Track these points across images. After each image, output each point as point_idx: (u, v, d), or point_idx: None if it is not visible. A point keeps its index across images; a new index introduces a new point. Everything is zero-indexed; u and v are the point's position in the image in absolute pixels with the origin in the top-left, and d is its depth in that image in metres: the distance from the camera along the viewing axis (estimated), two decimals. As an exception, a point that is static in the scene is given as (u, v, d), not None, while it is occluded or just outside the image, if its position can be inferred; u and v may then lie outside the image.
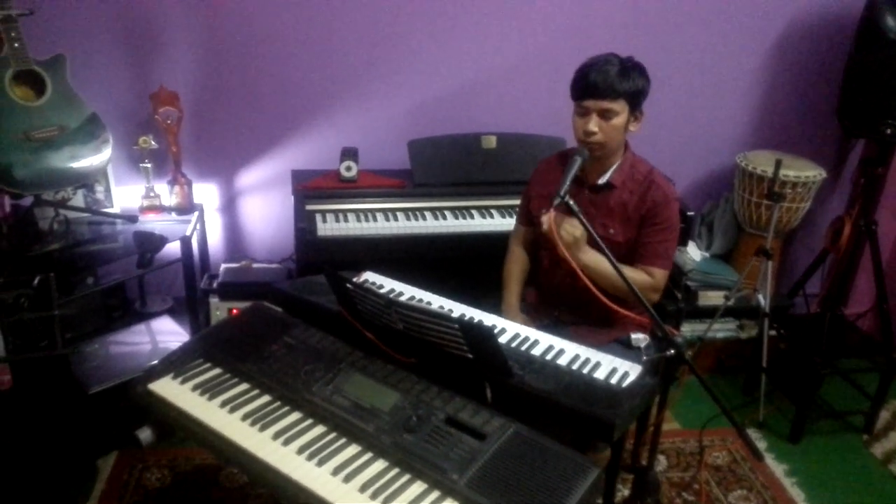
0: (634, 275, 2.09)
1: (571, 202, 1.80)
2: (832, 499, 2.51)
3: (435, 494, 1.35)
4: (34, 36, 2.43)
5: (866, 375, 2.96)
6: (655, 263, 2.12)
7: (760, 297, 2.81)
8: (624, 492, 2.33)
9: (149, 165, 2.80)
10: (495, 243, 2.52)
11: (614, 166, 2.13)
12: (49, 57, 2.47)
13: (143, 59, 2.78)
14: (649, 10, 2.96)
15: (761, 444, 2.75)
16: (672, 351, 1.69)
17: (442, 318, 1.57)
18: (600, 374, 1.72)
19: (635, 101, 2.03)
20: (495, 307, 2.33)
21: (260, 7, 2.76)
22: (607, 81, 1.97)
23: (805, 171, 2.88)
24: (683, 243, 3.01)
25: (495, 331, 1.93)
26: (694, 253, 3.12)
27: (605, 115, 2.00)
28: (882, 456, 2.73)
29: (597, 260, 2.02)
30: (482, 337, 1.56)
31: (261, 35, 2.81)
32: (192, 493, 2.42)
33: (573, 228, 2.00)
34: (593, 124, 2.01)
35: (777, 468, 2.63)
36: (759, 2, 3.01)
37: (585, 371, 1.74)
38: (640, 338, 2.14)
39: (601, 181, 2.13)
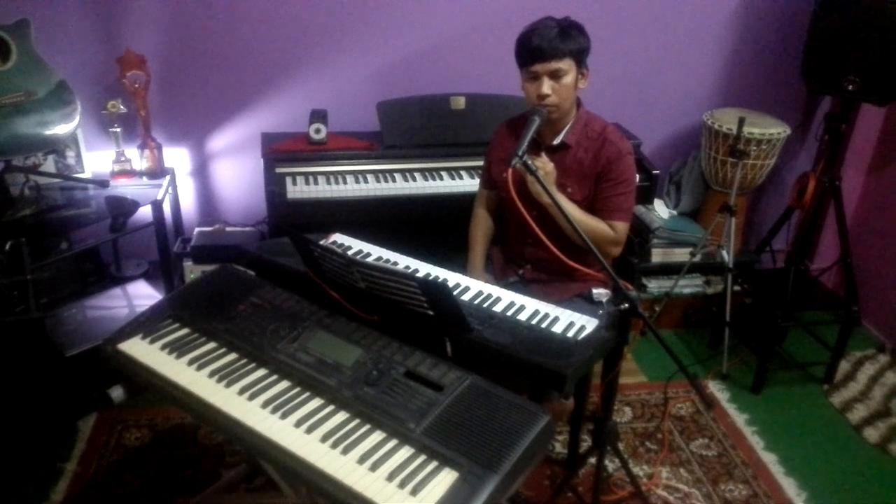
0: (598, 224, 2.15)
1: (529, 161, 1.84)
2: (790, 446, 2.61)
3: (392, 442, 1.41)
4: (-4, 0, 2.42)
5: (828, 328, 3.06)
6: (614, 217, 2.18)
7: (724, 253, 2.88)
8: (591, 442, 2.42)
9: (118, 130, 2.81)
10: (464, 204, 2.55)
11: (568, 126, 2.18)
12: (13, 21, 2.45)
13: (109, 22, 2.77)
14: (617, -31, 2.98)
15: (724, 395, 2.85)
16: (626, 304, 1.76)
17: (401, 276, 1.62)
18: (558, 329, 1.78)
19: (580, 59, 2.08)
20: (464, 266, 2.39)
21: (226, -32, 2.75)
22: (551, 43, 2.01)
23: (770, 129, 2.93)
24: (649, 201, 3.07)
25: (459, 289, 1.99)
26: (661, 211, 3.18)
27: (555, 75, 2.05)
28: (840, 405, 2.84)
29: (568, 202, 2.11)
30: (441, 294, 1.61)
31: (227, -3, 2.80)
32: (170, 450, 2.48)
33: (544, 164, 2.08)
34: (546, 87, 2.05)
35: (738, 418, 2.73)
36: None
37: (544, 325, 1.80)
38: (601, 292, 2.19)
39: (556, 142, 2.18)
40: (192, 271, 2.89)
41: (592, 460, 2.20)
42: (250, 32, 2.87)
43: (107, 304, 2.86)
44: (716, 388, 2.89)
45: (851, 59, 2.65)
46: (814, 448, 2.62)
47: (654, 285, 3.12)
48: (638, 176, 2.80)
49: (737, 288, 3.00)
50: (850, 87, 2.68)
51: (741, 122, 2.73)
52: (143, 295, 2.91)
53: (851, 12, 2.61)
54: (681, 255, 3.07)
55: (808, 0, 2.88)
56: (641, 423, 2.68)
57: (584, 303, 2.24)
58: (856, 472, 2.52)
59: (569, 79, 2.06)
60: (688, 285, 3.16)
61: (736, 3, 3.11)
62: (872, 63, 2.60)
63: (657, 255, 3.11)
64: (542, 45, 2.01)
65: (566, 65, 2.04)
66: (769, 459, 2.53)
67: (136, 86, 2.76)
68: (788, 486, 2.43)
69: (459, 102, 2.87)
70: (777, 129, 2.94)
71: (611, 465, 2.41)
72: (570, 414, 2.33)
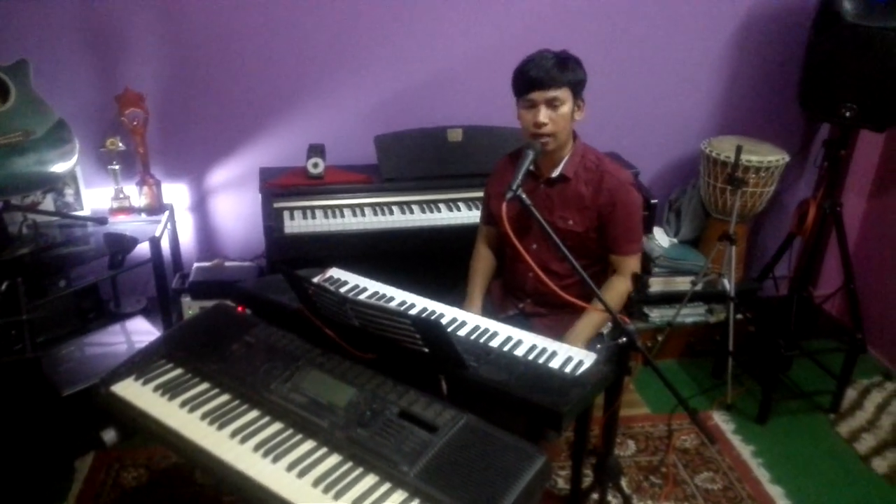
0: (615, 294, 2.16)
1: (523, 195, 1.83)
2: (797, 477, 2.56)
3: (385, 486, 1.39)
4: (-5, 42, 2.45)
5: (833, 356, 3.01)
6: (629, 250, 2.18)
7: (726, 281, 2.86)
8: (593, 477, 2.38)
9: (117, 167, 2.82)
10: (463, 236, 2.55)
11: (565, 159, 2.17)
12: (12, 62, 2.48)
13: (107, 61, 2.79)
14: (613, 1, 2.99)
15: (728, 427, 2.80)
16: (624, 339, 1.74)
17: (395, 314, 1.60)
18: (555, 364, 1.76)
19: (577, 90, 2.09)
20: (463, 299, 2.37)
21: (223, 6, 2.77)
22: (549, 73, 2.02)
23: (768, 156, 2.92)
24: (649, 230, 3.05)
25: (456, 324, 1.97)
26: (662, 239, 3.16)
27: (552, 104, 2.05)
28: (848, 434, 2.79)
29: (589, 323, 2.13)
30: (435, 332, 1.60)
31: (225, 33, 2.82)
32: (168, 490, 2.45)
33: None
34: (543, 115, 2.05)
35: (744, 450, 2.68)
36: (719, -11, 3.05)
37: (541, 361, 1.78)
38: (602, 324, 2.18)
39: (554, 174, 2.17)
40: (191, 307, 2.88)
41: (595, 496, 2.16)
42: (248, 69, 2.89)
43: (106, 340, 2.85)
44: (720, 419, 2.84)
45: (848, 86, 2.66)
46: (821, 480, 2.56)
47: (656, 314, 3.09)
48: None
49: (739, 316, 2.97)
50: (848, 114, 2.68)
51: (739, 150, 2.72)
52: (142, 331, 2.89)
53: (847, 40, 2.62)
54: (682, 283, 3.04)
55: (804, 28, 2.90)
56: (645, 457, 2.64)
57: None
58: (865, 505, 2.47)
59: (565, 108, 2.06)
60: (690, 314, 3.13)
61: (732, 32, 3.12)
62: (869, 89, 2.60)
63: (658, 284, 3.08)
64: (540, 75, 2.02)
65: (563, 94, 2.04)
66: (776, 493, 2.48)
67: (135, 123, 2.77)
68: (796, 519, 2.38)
69: (456, 135, 2.88)
70: (775, 157, 2.93)
71: (614, 500, 2.36)
72: (570, 448, 2.30)
